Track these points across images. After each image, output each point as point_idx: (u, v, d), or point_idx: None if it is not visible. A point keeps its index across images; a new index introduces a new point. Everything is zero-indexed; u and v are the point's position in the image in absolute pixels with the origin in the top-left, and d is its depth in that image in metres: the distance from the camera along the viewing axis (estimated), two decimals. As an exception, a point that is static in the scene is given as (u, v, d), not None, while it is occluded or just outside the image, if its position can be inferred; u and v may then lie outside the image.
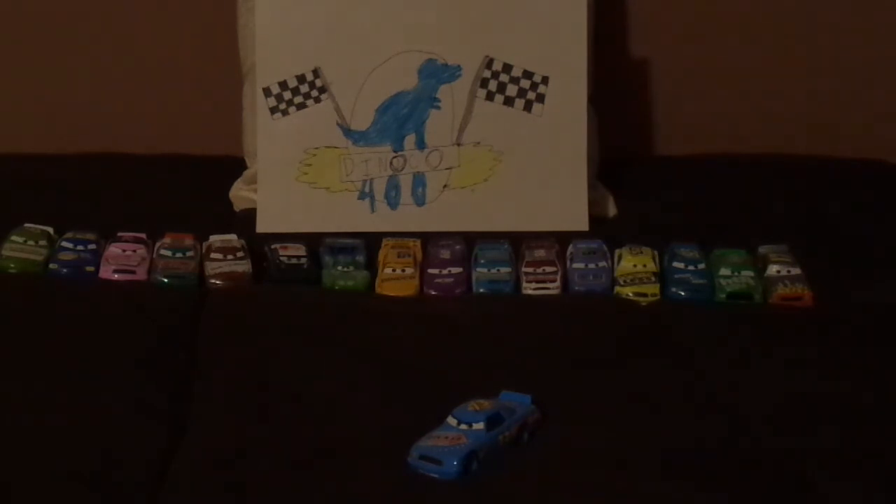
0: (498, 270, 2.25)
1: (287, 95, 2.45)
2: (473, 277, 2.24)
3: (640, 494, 1.67)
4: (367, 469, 1.70)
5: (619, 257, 2.29)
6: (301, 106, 2.45)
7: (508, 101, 2.47)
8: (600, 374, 1.96)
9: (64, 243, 2.27)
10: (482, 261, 2.27)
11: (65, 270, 2.22)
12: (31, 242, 2.27)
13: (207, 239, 2.31)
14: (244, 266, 2.25)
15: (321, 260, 2.28)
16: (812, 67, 2.82)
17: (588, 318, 2.14)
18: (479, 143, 2.47)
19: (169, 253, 2.26)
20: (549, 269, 2.25)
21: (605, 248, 2.30)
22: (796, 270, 2.26)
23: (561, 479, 1.69)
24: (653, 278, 2.24)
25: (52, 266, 2.23)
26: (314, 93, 2.45)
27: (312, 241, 2.33)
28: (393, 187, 2.46)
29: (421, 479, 1.68)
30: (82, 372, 1.91)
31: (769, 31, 2.81)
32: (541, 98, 2.47)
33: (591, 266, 2.26)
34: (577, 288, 2.23)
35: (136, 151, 2.72)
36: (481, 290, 2.23)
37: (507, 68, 2.46)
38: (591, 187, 2.51)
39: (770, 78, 2.82)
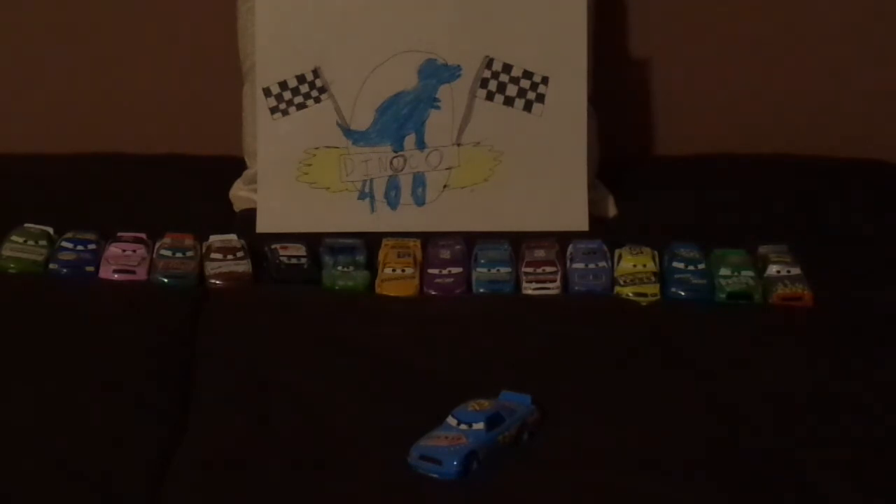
0: (498, 270, 2.25)
1: (287, 95, 2.45)
2: (473, 277, 2.24)
3: (640, 494, 1.67)
4: (367, 469, 1.70)
5: (619, 257, 2.28)
6: (301, 106, 2.45)
7: (508, 101, 2.46)
8: (600, 374, 1.96)
9: (64, 243, 2.27)
10: (482, 261, 2.27)
11: (65, 270, 2.22)
12: (31, 242, 2.27)
13: (207, 239, 2.31)
14: (244, 266, 2.25)
15: (321, 260, 2.28)
16: (812, 67, 2.82)
17: (588, 319, 2.13)
18: (479, 143, 2.46)
19: (169, 253, 2.26)
20: (549, 269, 2.25)
21: (605, 248, 2.30)
22: (796, 270, 2.26)
23: (561, 479, 1.69)
24: (653, 278, 2.24)
25: (52, 266, 2.23)
26: (314, 93, 2.45)
27: (312, 241, 2.33)
28: (393, 187, 2.46)
29: (421, 479, 1.68)
30: (82, 372, 1.91)
31: (769, 31, 2.81)
32: (541, 98, 2.47)
33: (591, 266, 2.26)
34: (577, 288, 2.23)
35: (136, 151, 2.72)
36: (481, 290, 2.23)
37: (507, 68, 2.46)
38: (591, 187, 2.51)
39: (770, 78, 2.82)
